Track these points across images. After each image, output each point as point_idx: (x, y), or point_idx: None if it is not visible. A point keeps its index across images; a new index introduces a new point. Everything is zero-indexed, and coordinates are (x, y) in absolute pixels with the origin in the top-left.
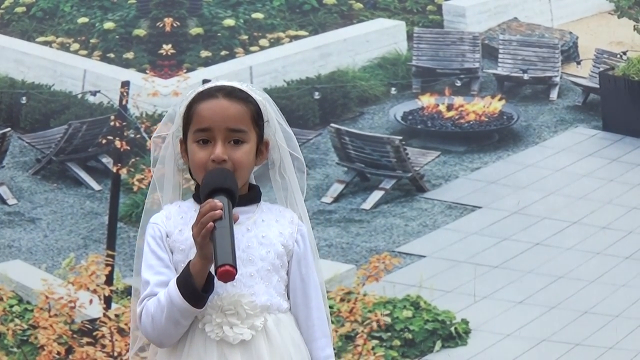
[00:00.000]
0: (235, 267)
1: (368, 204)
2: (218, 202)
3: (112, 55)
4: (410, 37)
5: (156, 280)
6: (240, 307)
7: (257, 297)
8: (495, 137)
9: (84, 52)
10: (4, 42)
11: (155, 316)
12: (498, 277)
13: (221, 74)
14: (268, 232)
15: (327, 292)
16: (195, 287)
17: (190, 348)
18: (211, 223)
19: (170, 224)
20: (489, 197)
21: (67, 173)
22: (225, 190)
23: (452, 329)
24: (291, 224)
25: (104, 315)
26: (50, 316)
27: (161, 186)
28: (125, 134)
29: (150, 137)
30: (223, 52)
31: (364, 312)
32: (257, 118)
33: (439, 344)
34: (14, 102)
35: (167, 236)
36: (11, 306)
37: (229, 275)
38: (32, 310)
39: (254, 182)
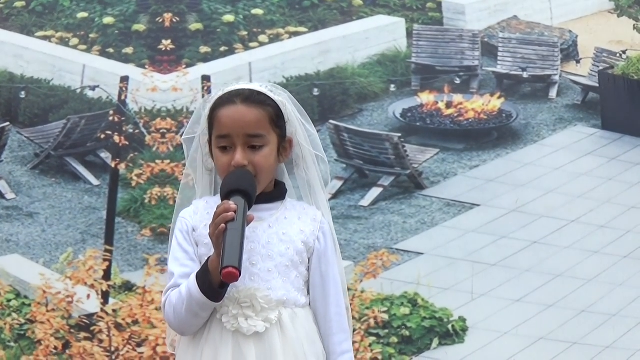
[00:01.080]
0: (238, 269)
1: (366, 201)
2: (232, 204)
3: (111, 50)
4: (409, 34)
5: (180, 272)
6: (256, 300)
7: (273, 292)
8: (494, 135)
9: (83, 47)
10: (3, 36)
11: (176, 307)
12: (496, 275)
13: (220, 70)
14: (289, 229)
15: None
16: (212, 283)
17: (208, 337)
18: (223, 225)
19: (197, 219)
20: (487, 195)
21: (66, 168)
22: (242, 191)
23: (450, 326)
24: (314, 221)
25: (102, 310)
26: (47, 311)
27: (195, 183)
28: (124, 129)
29: (149, 133)
30: (222, 48)
31: (362, 309)
32: (276, 119)
33: (436, 341)
34: (13, 96)
35: (194, 230)
36: (9, 300)
37: (231, 277)
38: (29, 305)
39: (282, 180)
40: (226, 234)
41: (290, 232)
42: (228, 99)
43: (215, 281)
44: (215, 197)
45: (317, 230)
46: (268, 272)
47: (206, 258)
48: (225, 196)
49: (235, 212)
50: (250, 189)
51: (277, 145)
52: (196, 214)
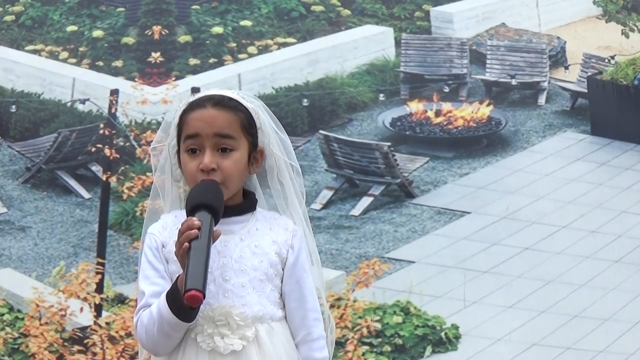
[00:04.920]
0: (202, 292)
1: (357, 210)
2: (196, 220)
3: (101, 63)
4: (398, 43)
5: (151, 291)
6: (231, 318)
7: (248, 308)
8: (483, 143)
9: (73, 60)
10: None
11: (148, 328)
12: (488, 282)
13: (210, 81)
14: (261, 241)
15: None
16: (183, 303)
17: (183, 356)
18: (186, 244)
19: (166, 235)
20: (478, 203)
21: (57, 181)
22: (207, 206)
23: (442, 334)
24: (286, 230)
25: (95, 323)
26: (41, 324)
27: (162, 196)
28: (114, 142)
29: (139, 145)
30: (211, 60)
31: (354, 318)
32: (247, 126)
33: (429, 349)
34: (4, 110)
35: (163, 246)
36: (2, 314)
37: (195, 300)
38: (22, 319)
39: (253, 191)
40: (190, 254)
41: (262, 244)
42: (198, 103)
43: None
44: (183, 211)
45: (290, 239)
46: (242, 287)
47: (177, 275)
48: (190, 211)
49: (199, 229)
50: (216, 203)
51: (247, 153)
52: (165, 230)
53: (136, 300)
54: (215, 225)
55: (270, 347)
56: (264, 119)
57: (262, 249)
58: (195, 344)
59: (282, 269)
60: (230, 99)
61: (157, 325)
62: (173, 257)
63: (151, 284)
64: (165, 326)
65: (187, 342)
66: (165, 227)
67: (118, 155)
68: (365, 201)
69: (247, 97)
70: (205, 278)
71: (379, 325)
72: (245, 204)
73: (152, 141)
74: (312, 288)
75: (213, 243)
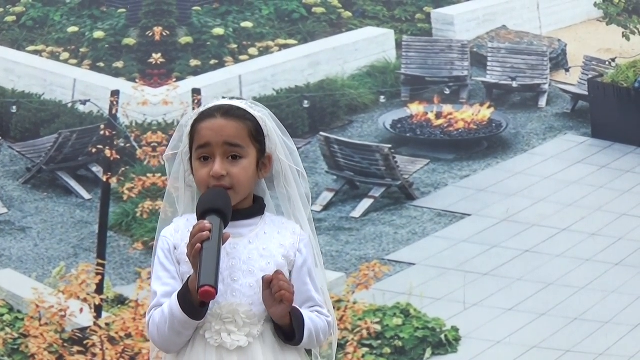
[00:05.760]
0: (215, 288)
1: (357, 212)
2: (207, 223)
3: (101, 64)
4: (399, 45)
5: (162, 291)
6: (238, 316)
7: (255, 307)
8: (484, 145)
9: (74, 61)
10: None
11: (160, 326)
12: (488, 284)
13: (211, 83)
14: (269, 244)
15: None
16: (193, 302)
17: (191, 353)
18: (199, 245)
19: (178, 237)
20: (478, 205)
21: (58, 182)
22: (217, 210)
23: (442, 336)
24: (293, 234)
25: (95, 324)
26: (40, 325)
27: (176, 200)
28: (115, 143)
29: (140, 146)
30: (212, 61)
31: (354, 320)
32: (255, 134)
33: (429, 351)
34: (4, 111)
35: (175, 248)
36: (2, 315)
37: (208, 295)
38: (22, 319)
39: (262, 196)
40: (202, 254)
41: (270, 247)
42: (208, 113)
43: (196, 300)
44: (195, 214)
45: (297, 242)
46: (250, 287)
47: (188, 276)
48: (201, 215)
49: (210, 231)
50: (225, 208)
51: (256, 160)
52: (177, 232)
53: (136, 301)
54: (224, 228)
55: (276, 344)
56: (271, 126)
57: (269, 251)
58: (204, 341)
59: (290, 272)
60: (239, 108)
61: (169, 324)
62: (185, 259)
63: (163, 285)
64: (176, 324)
65: (196, 338)
66: (177, 230)
67: (119, 156)
68: (366, 203)
69: (254, 107)
70: (217, 275)
71: (378, 327)
72: (254, 208)
73: (152, 142)
74: (318, 291)
75: (223, 245)
